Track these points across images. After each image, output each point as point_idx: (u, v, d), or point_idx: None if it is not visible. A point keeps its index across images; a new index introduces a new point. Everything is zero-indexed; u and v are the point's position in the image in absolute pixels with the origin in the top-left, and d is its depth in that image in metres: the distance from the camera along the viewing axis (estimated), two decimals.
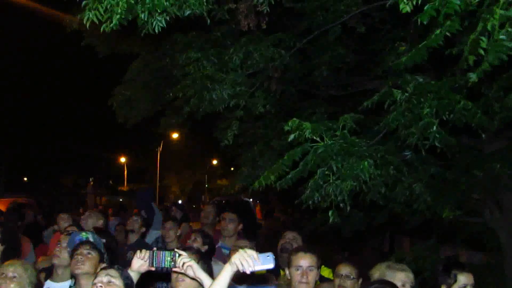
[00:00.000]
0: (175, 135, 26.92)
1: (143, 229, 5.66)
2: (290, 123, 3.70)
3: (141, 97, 8.13)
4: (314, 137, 3.60)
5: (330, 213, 3.55)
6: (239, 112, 5.22)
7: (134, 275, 2.74)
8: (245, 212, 13.70)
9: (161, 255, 2.56)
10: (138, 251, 2.75)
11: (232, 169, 43.59)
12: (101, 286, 2.53)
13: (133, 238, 5.50)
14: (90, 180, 11.64)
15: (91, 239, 3.42)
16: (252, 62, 5.08)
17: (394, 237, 11.61)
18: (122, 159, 38.60)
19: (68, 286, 3.52)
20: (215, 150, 35.65)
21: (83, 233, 3.53)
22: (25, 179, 39.45)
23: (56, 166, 36.64)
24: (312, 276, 3.03)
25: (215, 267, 3.07)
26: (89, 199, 12.21)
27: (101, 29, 3.08)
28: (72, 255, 3.30)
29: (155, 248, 2.66)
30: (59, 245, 3.67)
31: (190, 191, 35.88)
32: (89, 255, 3.23)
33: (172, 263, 2.53)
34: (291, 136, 3.63)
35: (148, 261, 2.63)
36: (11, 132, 30.39)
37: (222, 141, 5.23)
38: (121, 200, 26.50)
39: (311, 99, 6.60)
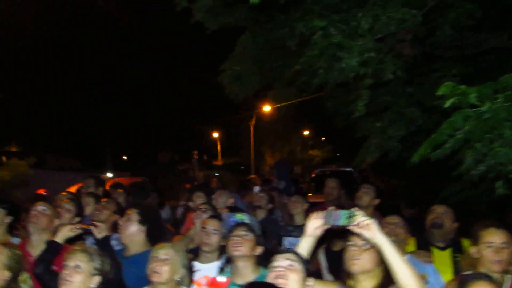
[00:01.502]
0: (267, 108, 26.97)
1: (270, 205, 5.61)
2: (443, 88, 3.40)
3: (251, 71, 8.07)
4: (475, 102, 3.28)
5: (497, 184, 3.24)
6: (368, 81, 4.95)
7: (309, 242, 2.64)
8: (350, 181, 13.47)
9: (338, 213, 2.44)
10: (314, 213, 2.65)
11: (323, 139, 43.25)
12: (281, 271, 2.44)
13: (260, 214, 5.45)
14: (194, 153, 11.44)
15: (247, 221, 3.40)
16: (382, 25, 4.75)
17: None
18: (215, 134, 39.67)
19: (218, 267, 3.48)
20: (306, 121, 35.60)
21: (239, 215, 3.49)
22: (124, 157, 41.77)
23: (153, 143, 38.48)
24: (507, 254, 2.77)
25: None
26: (197, 172, 12.23)
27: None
28: (227, 237, 3.29)
29: (332, 207, 2.54)
30: (203, 228, 3.71)
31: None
32: (246, 237, 3.19)
33: (349, 221, 2.39)
34: (448, 102, 3.33)
35: (324, 219, 2.52)
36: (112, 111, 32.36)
37: (353, 113, 4.98)
38: (216, 174, 27.17)
39: (436, 61, 6.14)
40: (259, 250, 3.22)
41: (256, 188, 6.78)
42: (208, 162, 39.12)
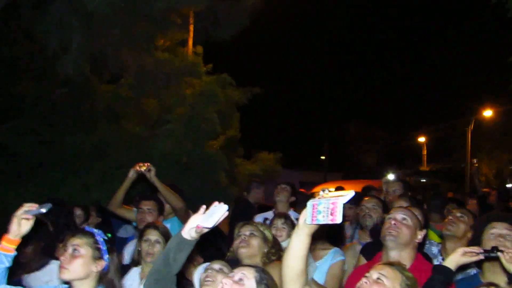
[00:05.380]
0: (487, 113, 24.75)
1: None
2: None
3: None
4: None
5: None
6: None
7: None
8: None
9: None
10: None
11: None
12: None
13: None
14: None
15: None
16: None
17: None
18: (421, 139, 37.84)
19: None
20: None
21: None
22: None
23: (354, 144, 38.49)
24: None
25: None
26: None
27: None
28: None
29: None
30: None
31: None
32: None
33: None
34: None
35: None
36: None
37: None
38: (424, 181, 25.88)
39: None
40: None
41: None
42: (413, 167, 37.54)
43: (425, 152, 37.27)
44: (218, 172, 8.56)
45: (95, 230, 2.82)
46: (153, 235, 3.48)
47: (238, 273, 2.28)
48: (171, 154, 7.47)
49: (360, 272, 2.99)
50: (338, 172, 27.66)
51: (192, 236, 2.23)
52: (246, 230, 3.28)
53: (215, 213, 2.20)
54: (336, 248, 3.93)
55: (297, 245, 2.17)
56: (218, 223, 2.22)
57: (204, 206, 2.28)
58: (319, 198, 2.09)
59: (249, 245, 3.20)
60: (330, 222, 1.99)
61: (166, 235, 3.51)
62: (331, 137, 34.87)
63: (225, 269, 2.82)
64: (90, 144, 7.95)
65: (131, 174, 4.98)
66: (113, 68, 7.53)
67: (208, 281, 2.77)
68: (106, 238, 2.84)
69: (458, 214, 3.75)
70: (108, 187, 7.44)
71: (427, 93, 38.02)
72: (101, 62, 7.39)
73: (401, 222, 2.97)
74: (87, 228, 2.90)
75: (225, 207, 2.23)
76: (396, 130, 38.77)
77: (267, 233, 3.34)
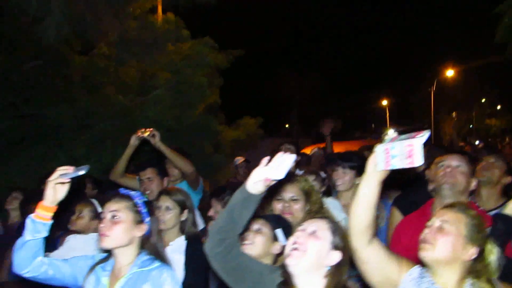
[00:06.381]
0: (449, 72, 25.41)
1: None
2: None
3: None
4: None
5: None
6: None
7: None
8: None
9: None
10: None
11: (498, 107, 39.32)
12: None
13: None
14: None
15: None
16: None
17: None
18: (384, 102, 38.69)
19: None
20: (489, 87, 32.72)
21: None
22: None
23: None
24: None
25: None
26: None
27: None
28: None
29: None
30: None
31: (466, 132, 33.85)
32: None
33: None
34: None
35: None
36: None
37: None
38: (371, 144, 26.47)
39: None
40: None
41: None
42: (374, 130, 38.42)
43: (387, 114, 38.20)
44: (204, 139, 8.44)
45: (133, 192, 2.67)
46: (163, 202, 3.37)
47: (310, 225, 2.15)
48: (162, 121, 7.28)
49: (409, 224, 2.98)
50: (307, 138, 27.85)
51: (259, 190, 2.06)
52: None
53: (282, 163, 2.05)
54: None
55: (366, 193, 2.04)
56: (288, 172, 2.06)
57: (267, 158, 2.12)
58: (391, 141, 1.96)
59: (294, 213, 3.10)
60: (408, 166, 1.87)
61: (179, 201, 3.40)
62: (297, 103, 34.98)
63: (264, 229, 2.69)
64: (71, 116, 7.64)
65: (133, 141, 4.79)
66: (93, 34, 7.18)
67: (247, 243, 2.63)
68: (145, 199, 2.72)
69: (492, 160, 3.69)
70: (96, 159, 7.24)
71: (390, 55, 38.44)
72: (80, 29, 7.02)
73: (456, 169, 2.90)
74: (123, 190, 2.73)
75: (293, 156, 2.07)
76: (360, 94, 39.29)
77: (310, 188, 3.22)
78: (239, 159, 7.04)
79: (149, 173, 4.47)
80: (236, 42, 10.42)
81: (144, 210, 2.61)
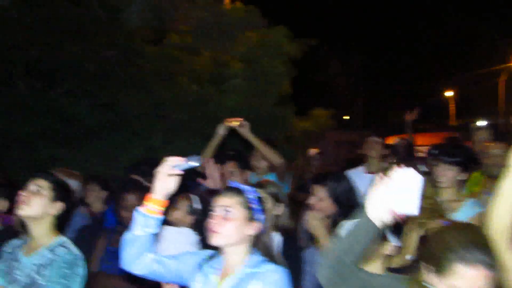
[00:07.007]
0: None
1: None
2: None
3: None
4: None
5: None
6: None
7: None
8: None
9: None
10: None
11: None
12: None
13: None
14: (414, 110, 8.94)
15: None
16: None
17: None
18: (448, 93, 37.00)
19: None
20: None
21: None
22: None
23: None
24: None
25: None
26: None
27: None
28: None
29: None
30: None
31: None
32: None
33: None
34: None
35: None
36: None
37: None
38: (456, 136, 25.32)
39: None
40: None
41: None
42: (438, 122, 36.97)
43: (451, 108, 36.53)
44: (278, 130, 8.23)
45: (246, 187, 2.46)
46: None
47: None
48: (238, 110, 7.13)
49: None
50: (367, 131, 27.08)
51: (383, 221, 1.69)
52: None
53: (409, 188, 1.60)
54: (473, 199, 3.59)
55: (510, 190, 1.92)
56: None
57: (380, 175, 1.71)
58: None
59: None
60: None
61: (273, 194, 3.13)
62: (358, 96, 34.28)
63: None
64: (146, 105, 7.65)
65: (221, 130, 4.65)
66: (169, 23, 7.11)
67: None
68: (259, 195, 2.50)
69: None
70: (173, 148, 7.19)
71: (449, 44, 36.63)
72: (159, 16, 6.97)
73: None
74: (236, 184, 2.53)
75: (420, 177, 1.64)
76: (419, 85, 37.68)
77: None
78: (313, 151, 6.83)
79: (230, 166, 4.29)
80: (305, 32, 10.02)
81: (257, 207, 2.39)
